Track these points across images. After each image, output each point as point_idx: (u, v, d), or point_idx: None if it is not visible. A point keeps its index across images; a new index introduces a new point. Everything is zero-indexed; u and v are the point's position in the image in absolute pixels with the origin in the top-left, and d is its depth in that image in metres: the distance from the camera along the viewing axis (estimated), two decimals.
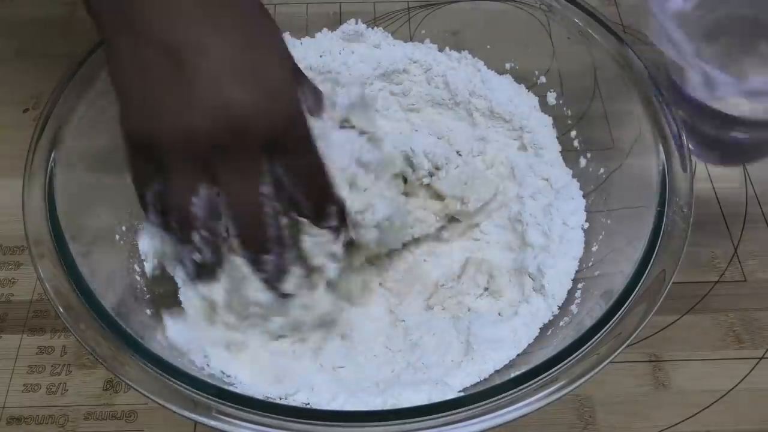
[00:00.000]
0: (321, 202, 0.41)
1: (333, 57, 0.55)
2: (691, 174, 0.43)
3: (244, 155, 0.38)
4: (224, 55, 0.37)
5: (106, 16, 0.39)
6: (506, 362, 0.44)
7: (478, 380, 0.43)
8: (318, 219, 0.42)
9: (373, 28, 0.57)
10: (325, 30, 0.57)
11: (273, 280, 0.42)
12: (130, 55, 0.38)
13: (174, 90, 0.37)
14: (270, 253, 0.41)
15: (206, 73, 0.37)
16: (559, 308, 0.46)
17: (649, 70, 0.48)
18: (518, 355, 0.45)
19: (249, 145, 0.38)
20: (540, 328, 0.46)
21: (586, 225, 0.49)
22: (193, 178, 0.39)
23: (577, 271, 0.47)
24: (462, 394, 0.42)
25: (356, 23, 0.56)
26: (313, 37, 0.56)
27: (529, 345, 0.45)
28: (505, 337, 0.46)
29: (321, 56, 0.55)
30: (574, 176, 0.52)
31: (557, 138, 0.54)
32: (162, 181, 0.39)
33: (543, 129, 0.54)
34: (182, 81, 0.37)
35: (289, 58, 0.41)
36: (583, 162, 0.52)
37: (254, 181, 0.39)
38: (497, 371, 0.44)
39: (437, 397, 0.41)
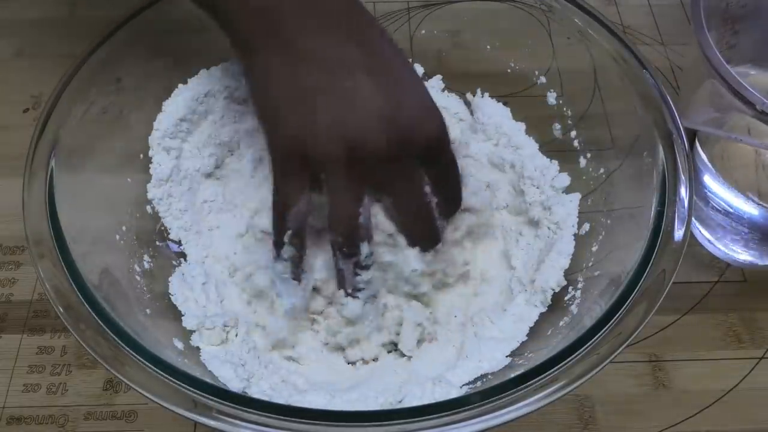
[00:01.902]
0: (454, 209, 0.46)
1: None
2: (690, 174, 0.43)
3: (406, 165, 0.41)
4: (379, 71, 0.39)
5: (251, 34, 0.40)
6: (502, 358, 0.44)
7: (478, 376, 0.44)
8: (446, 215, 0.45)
9: None
10: None
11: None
12: (283, 73, 0.39)
13: (338, 105, 0.39)
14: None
15: (367, 88, 0.39)
16: (550, 305, 0.47)
17: (649, 70, 0.48)
18: (515, 352, 0.45)
19: (410, 156, 0.40)
20: (531, 327, 0.46)
21: (587, 226, 0.49)
22: (359, 188, 0.41)
23: (575, 271, 0.47)
24: (465, 389, 0.43)
25: None
26: None
27: (529, 344, 0.45)
28: (497, 335, 0.46)
29: None
30: (574, 176, 0.52)
31: (558, 138, 0.54)
32: (312, 196, 0.41)
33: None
34: (345, 96, 0.39)
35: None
36: (583, 162, 0.52)
37: (419, 186, 0.42)
38: (497, 370, 0.44)
39: (439, 394, 0.41)
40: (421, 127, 0.40)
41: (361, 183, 0.41)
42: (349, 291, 0.45)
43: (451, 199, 0.45)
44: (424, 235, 0.44)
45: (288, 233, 0.42)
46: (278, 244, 0.43)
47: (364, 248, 0.43)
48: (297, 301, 0.45)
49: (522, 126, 0.55)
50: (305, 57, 0.39)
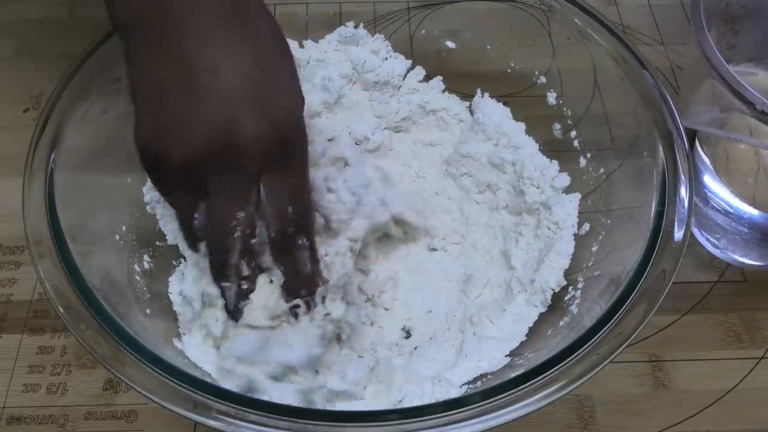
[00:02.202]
0: (296, 226, 0.42)
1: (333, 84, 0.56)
2: (690, 174, 0.43)
3: (236, 174, 0.39)
4: (236, 76, 0.38)
5: (131, 30, 0.39)
6: (501, 358, 0.44)
7: (477, 375, 0.44)
8: (280, 246, 0.42)
9: (373, 35, 0.57)
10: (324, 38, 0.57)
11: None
12: (150, 70, 0.39)
13: (183, 106, 0.38)
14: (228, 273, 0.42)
15: (216, 93, 0.38)
16: (550, 305, 0.47)
17: (649, 70, 0.48)
18: (514, 351, 0.45)
19: (242, 165, 0.39)
20: (530, 327, 0.46)
21: (587, 226, 0.49)
22: (193, 193, 0.40)
23: (575, 271, 0.47)
24: (465, 389, 0.43)
25: (355, 27, 0.57)
26: (316, 42, 0.57)
27: (529, 344, 0.45)
28: (497, 335, 0.46)
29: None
30: (574, 176, 0.52)
31: (558, 138, 0.54)
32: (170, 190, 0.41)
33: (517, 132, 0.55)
34: (192, 99, 0.38)
35: (297, 80, 0.42)
36: (583, 162, 0.52)
37: (237, 200, 0.40)
38: (496, 370, 0.44)
39: (439, 394, 0.41)
40: (260, 138, 0.38)
41: (189, 192, 0.40)
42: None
43: (278, 216, 0.41)
44: (216, 258, 0.42)
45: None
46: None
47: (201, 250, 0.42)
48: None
49: (522, 126, 0.55)
50: (170, 57, 0.38)
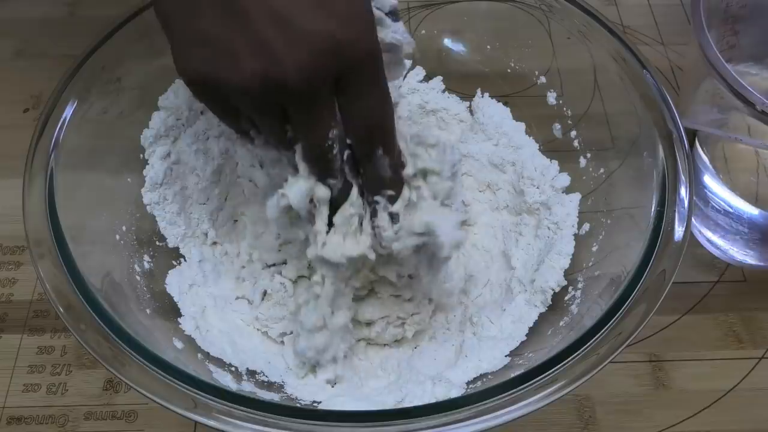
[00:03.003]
0: (379, 144, 0.38)
1: None
2: (690, 174, 0.43)
3: (314, 91, 0.35)
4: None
5: None
6: (501, 358, 0.45)
7: (477, 375, 0.44)
8: (366, 159, 0.39)
9: None
10: None
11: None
12: None
13: (239, 31, 0.34)
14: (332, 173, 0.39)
15: (265, 16, 0.33)
16: (550, 305, 0.47)
17: (649, 70, 0.48)
18: (514, 351, 0.45)
19: (323, 83, 0.35)
20: (530, 327, 0.46)
21: (587, 226, 0.49)
22: (277, 123, 0.37)
23: (575, 271, 0.47)
24: (465, 389, 0.43)
25: None
26: None
27: (529, 344, 0.45)
28: (497, 335, 0.46)
29: None
30: (574, 176, 0.52)
31: (558, 138, 0.54)
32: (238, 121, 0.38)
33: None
34: (233, 16, 0.33)
35: None
36: (583, 162, 0.52)
37: (324, 116, 0.36)
38: (497, 369, 0.44)
39: (440, 393, 0.42)
40: (338, 49, 0.34)
41: (272, 115, 0.37)
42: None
43: (366, 133, 0.38)
44: (318, 170, 0.39)
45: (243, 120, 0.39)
46: (242, 132, 0.40)
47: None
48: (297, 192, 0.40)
49: (522, 126, 0.55)
50: None
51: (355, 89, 0.36)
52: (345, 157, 0.39)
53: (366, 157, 0.39)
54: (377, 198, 0.40)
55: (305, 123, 0.36)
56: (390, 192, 0.40)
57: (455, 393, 0.42)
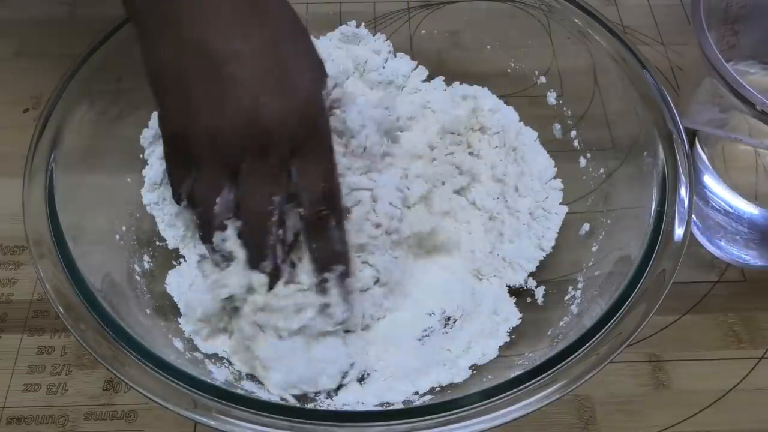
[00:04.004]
0: (327, 208, 0.42)
1: None
2: (690, 174, 0.43)
3: (266, 158, 0.40)
4: (256, 62, 0.40)
5: (148, 17, 0.41)
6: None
7: (479, 363, 0.44)
8: (317, 227, 0.42)
9: (374, 34, 0.57)
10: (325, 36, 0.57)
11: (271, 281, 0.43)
12: (170, 57, 0.40)
13: (209, 93, 0.39)
14: (266, 258, 0.42)
15: (239, 79, 0.39)
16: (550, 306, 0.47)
17: (649, 70, 0.48)
18: (513, 352, 0.45)
19: (272, 150, 0.40)
20: (519, 325, 0.47)
21: (587, 226, 0.49)
22: (220, 177, 0.41)
23: (575, 271, 0.47)
24: (472, 372, 0.43)
25: (356, 26, 0.57)
26: (317, 39, 0.57)
27: (529, 344, 0.45)
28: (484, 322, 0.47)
29: None
30: (574, 176, 0.52)
31: (558, 138, 0.54)
32: (194, 177, 0.42)
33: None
34: (217, 85, 0.39)
35: (318, 61, 0.43)
36: (583, 162, 0.52)
37: (270, 185, 0.41)
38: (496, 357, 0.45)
39: (446, 378, 0.43)
40: (287, 122, 0.40)
41: (220, 173, 0.41)
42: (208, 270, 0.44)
43: (314, 201, 0.42)
44: (251, 243, 0.42)
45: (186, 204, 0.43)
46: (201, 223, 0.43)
47: (218, 236, 0.42)
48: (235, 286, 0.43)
49: (517, 116, 0.55)
50: (188, 37, 0.40)
51: (312, 154, 0.41)
52: (280, 235, 0.42)
53: (318, 228, 0.42)
54: (327, 275, 0.43)
55: (257, 176, 0.41)
56: (341, 267, 0.43)
57: (466, 372, 0.43)
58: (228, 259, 0.43)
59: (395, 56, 0.58)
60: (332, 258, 0.43)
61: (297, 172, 0.41)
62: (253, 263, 0.42)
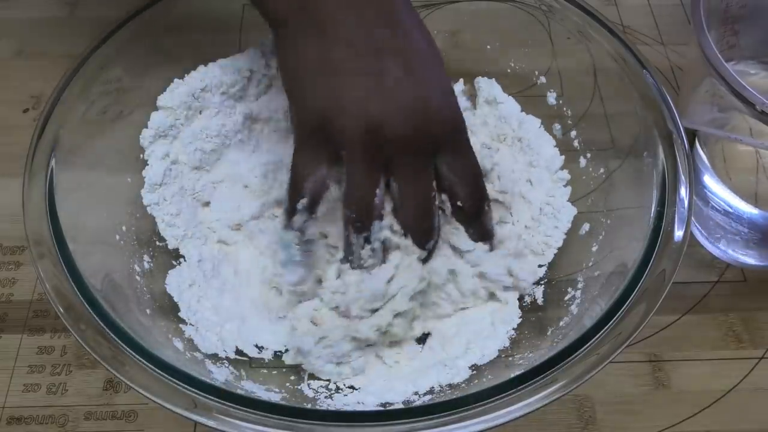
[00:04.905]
0: (479, 201, 0.45)
1: None
2: (690, 174, 0.43)
3: (422, 153, 0.42)
4: (408, 56, 0.41)
5: (291, 18, 0.42)
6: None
7: (478, 363, 0.44)
8: (474, 217, 0.45)
9: None
10: None
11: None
12: (311, 49, 0.41)
13: (364, 85, 0.40)
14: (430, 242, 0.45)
15: (394, 72, 0.40)
16: (550, 305, 0.47)
17: (649, 70, 0.48)
18: (513, 351, 0.45)
19: (429, 143, 0.42)
20: (518, 327, 0.47)
21: (587, 226, 0.49)
22: (377, 169, 0.42)
23: (575, 271, 0.47)
24: (472, 372, 0.43)
25: None
26: None
27: (529, 344, 0.45)
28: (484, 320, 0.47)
29: None
30: (574, 176, 0.52)
31: (558, 138, 0.54)
32: (329, 170, 0.42)
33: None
34: (372, 77, 0.40)
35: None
36: (583, 162, 0.52)
37: (429, 176, 0.43)
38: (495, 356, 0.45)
39: (446, 378, 0.42)
40: (441, 117, 0.42)
41: (378, 164, 0.42)
42: (355, 265, 0.44)
43: (471, 194, 0.45)
44: (420, 228, 0.44)
45: (302, 201, 0.43)
46: (290, 212, 0.44)
47: (376, 226, 0.43)
48: (298, 276, 0.45)
49: (518, 107, 0.56)
50: (335, 35, 0.40)
51: (458, 147, 0.44)
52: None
53: (475, 214, 0.45)
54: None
55: (410, 170, 0.42)
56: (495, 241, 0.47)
57: (466, 373, 0.43)
58: (376, 255, 0.44)
59: None
60: (487, 236, 0.46)
61: (446, 167, 0.43)
62: (419, 245, 0.44)
